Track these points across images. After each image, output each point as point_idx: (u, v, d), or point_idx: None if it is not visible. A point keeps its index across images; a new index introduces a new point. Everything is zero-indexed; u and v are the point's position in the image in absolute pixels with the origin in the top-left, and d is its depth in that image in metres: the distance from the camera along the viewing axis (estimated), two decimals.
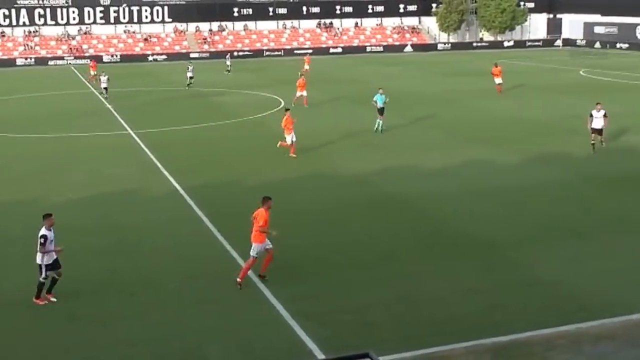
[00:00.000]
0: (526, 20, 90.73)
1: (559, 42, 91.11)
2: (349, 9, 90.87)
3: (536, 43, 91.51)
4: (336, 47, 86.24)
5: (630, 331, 13.58)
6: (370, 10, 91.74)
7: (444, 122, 36.34)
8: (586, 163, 27.22)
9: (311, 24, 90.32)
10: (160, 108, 43.94)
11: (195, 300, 15.34)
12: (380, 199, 22.76)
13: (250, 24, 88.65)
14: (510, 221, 20.48)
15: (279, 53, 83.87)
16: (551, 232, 19.45)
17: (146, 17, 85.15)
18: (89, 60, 70.83)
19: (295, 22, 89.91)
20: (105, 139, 33.87)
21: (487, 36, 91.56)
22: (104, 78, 47.91)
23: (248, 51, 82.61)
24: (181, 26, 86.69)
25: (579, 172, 25.79)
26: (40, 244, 14.87)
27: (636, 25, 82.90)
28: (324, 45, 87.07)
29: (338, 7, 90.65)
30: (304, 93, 41.79)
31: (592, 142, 28.31)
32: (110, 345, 13.48)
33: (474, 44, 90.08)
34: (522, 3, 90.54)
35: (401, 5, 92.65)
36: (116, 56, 79.58)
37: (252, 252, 16.03)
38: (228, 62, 65.60)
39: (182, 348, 13.35)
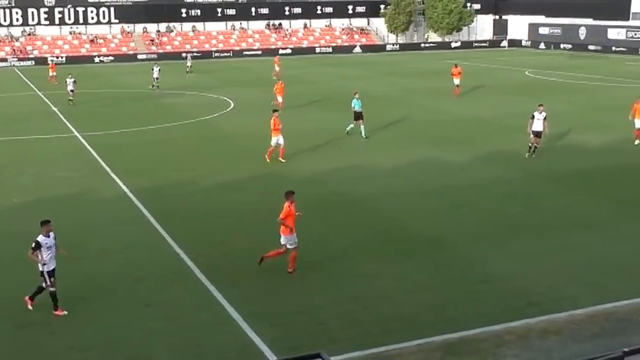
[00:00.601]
0: (473, 22, 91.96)
1: (504, 43, 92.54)
2: (297, 10, 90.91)
3: (483, 44, 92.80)
4: (285, 48, 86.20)
5: (575, 326, 13.83)
6: (319, 11, 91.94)
7: (394, 122, 36.60)
8: (532, 161, 27.67)
9: (260, 25, 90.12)
10: (108, 110, 43.34)
11: (145, 303, 15.15)
12: (331, 199, 22.81)
13: (199, 25, 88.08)
14: (459, 219, 20.71)
15: (228, 54, 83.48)
16: (500, 229, 19.73)
17: (92, 18, 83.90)
18: (49, 61, 69.60)
19: (244, 23, 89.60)
20: (52, 142, 33.26)
21: (434, 37, 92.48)
22: (70, 80, 45.44)
23: (196, 52, 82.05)
24: (128, 27, 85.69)
25: (525, 170, 26.21)
26: (31, 248, 14.43)
27: (579, 26, 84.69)
28: (273, 47, 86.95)
29: (287, 8, 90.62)
30: (280, 98, 40.22)
31: (530, 144, 27.73)
32: (59, 352, 13.22)
33: (422, 45, 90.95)
34: (468, 4, 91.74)
35: (350, 7, 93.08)
36: (62, 58, 78.22)
37: (290, 245, 16.62)
38: (189, 63, 65.27)
39: (131, 352, 13.17)
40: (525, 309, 14.53)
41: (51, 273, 14.62)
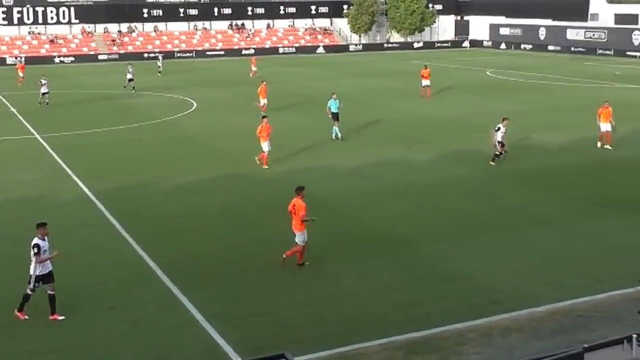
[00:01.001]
0: (435, 22, 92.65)
1: (466, 44, 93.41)
2: (260, 10, 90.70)
3: (445, 44, 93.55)
4: (248, 49, 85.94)
5: (536, 323, 14.03)
6: (282, 12, 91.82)
7: (358, 122, 36.72)
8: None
9: (223, 25, 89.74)
10: (68, 111, 42.81)
11: (108, 306, 15.02)
12: None
13: (161, 25, 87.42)
14: (423, 218, 20.88)
15: (191, 54, 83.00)
16: (463, 228, 19.93)
17: (52, 18, 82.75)
18: (17, 62, 68.34)
19: (207, 24, 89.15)
20: (11, 144, 32.76)
21: (397, 37, 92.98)
22: (44, 81, 44.01)
23: (158, 52, 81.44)
24: (89, 27, 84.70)
25: (487, 169, 26.49)
26: (34, 253, 14.10)
27: (539, 27, 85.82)
28: (236, 47, 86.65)
29: (250, 9, 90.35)
30: (265, 100, 39.00)
31: (498, 152, 26.91)
32: (20, 356, 13.04)
33: (385, 45, 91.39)
34: (430, 5, 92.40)
35: (313, 7, 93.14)
36: (20, 58, 77.00)
37: (300, 241, 16.96)
38: (159, 64, 64.71)
39: (95, 355, 13.04)
40: (488, 306, 14.71)
41: (40, 277, 14.28)
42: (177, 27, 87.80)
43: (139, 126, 36.74)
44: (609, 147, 29.40)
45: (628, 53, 74.22)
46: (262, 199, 23.04)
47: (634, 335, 9.66)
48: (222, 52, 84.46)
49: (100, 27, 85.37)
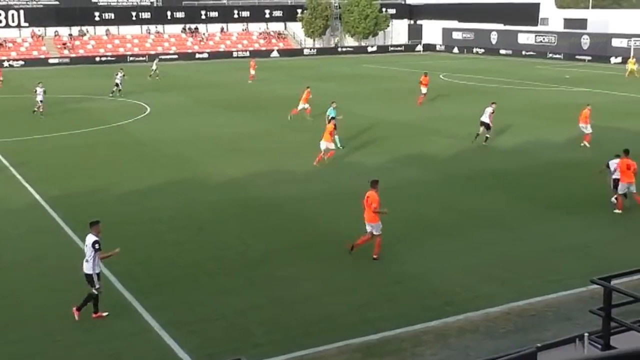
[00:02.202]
0: (388, 26, 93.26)
1: (419, 48, 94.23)
2: (214, 14, 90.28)
3: (398, 48, 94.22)
4: (202, 53, 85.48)
5: (491, 323, 14.19)
6: (236, 16, 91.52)
7: (313, 126, 36.73)
8: (448, 162, 28.27)
9: (176, 29, 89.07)
10: (19, 116, 42.00)
11: (61, 315, 14.74)
12: (250, 204, 22.73)
13: (113, 29, 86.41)
14: None
15: (143, 59, 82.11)
16: (417, 230, 20.08)
17: (0, 21, 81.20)
18: None
19: (160, 27, 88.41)
20: None
21: (350, 41, 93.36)
22: (40, 90, 40.72)
23: (110, 56, 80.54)
24: (39, 31, 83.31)
25: (441, 172, 26.74)
26: (97, 249, 14.22)
27: (491, 31, 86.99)
28: (189, 51, 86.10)
29: (203, 12, 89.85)
30: (306, 105, 38.21)
31: (478, 133, 31.57)
32: None
33: (339, 49, 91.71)
34: (384, 9, 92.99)
35: (267, 11, 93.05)
36: None
37: (376, 231, 17.70)
38: (154, 67, 62.73)
39: None
40: (443, 308, 14.83)
41: (99, 276, 14.36)
42: (129, 30, 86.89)
43: (91, 131, 36.22)
44: (587, 145, 30.86)
45: (577, 57, 75.66)
46: (215, 203, 22.90)
47: (586, 334, 9.82)
48: (176, 56, 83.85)
49: (50, 31, 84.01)
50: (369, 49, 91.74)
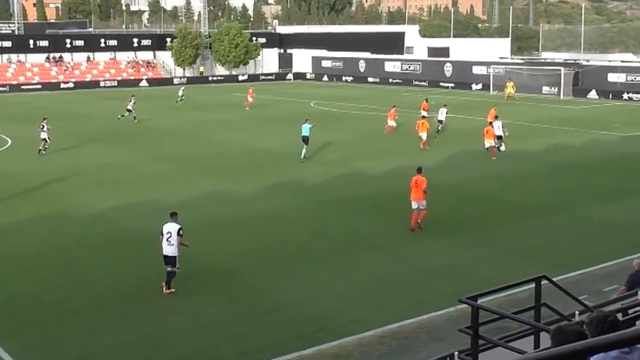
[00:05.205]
0: (259, 55, 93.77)
1: (290, 76, 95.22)
2: (80, 43, 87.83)
3: (269, 77, 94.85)
4: (67, 82, 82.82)
5: (365, 348, 14.30)
6: (102, 44, 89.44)
7: (183, 155, 36.25)
8: (317, 189, 28.53)
9: (40, 58, 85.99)
10: None
11: None
12: (119, 237, 22.05)
13: None
14: (249, 250, 20.81)
15: (4, 89, 78.65)
16: (289, 257, 20.06)
17: None
18: None
19: (22, 56, 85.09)
20: None
21: (221, 70, 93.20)
22: (47, 127, 37.00)
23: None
24: None
25: (313, 198, 26.94)
26: (181, 235, 16.98)
27: (359, 59, 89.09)
28: (54, 80, 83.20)
29: (68, 41, 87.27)
30: (393, 123, 42.17)
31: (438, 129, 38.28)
32: None
33: (210, 78, 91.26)
34: (254, 38, 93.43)
35: (135, 40, 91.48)
36: None
37: (422, 207, 21.90)
38: (180, 93, 62.22)
39: None
40: (317, 334, 14.84)
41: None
42: None
43: None
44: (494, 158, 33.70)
45: (441, 84, 78.55)
46: (84, 237, 22.09)
47: (456, 353, 10.05)
48: (39, 86, 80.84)
49: None
50: (240, 78, 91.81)
